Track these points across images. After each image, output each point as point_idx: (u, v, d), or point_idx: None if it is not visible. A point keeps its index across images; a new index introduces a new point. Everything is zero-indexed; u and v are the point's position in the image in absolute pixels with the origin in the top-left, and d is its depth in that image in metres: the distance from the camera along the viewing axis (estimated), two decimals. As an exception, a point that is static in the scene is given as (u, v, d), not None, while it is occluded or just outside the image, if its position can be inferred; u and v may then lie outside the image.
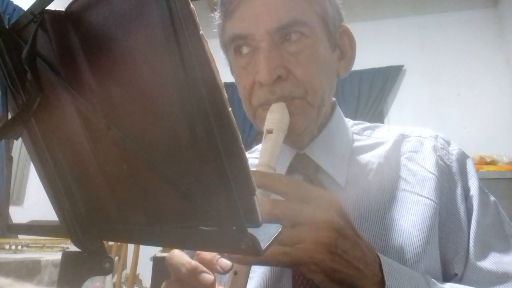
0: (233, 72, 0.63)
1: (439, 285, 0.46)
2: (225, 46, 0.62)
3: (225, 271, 0.40)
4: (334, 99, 0.65)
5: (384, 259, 0.42)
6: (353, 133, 0.65)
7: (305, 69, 0.53)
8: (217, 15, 0.60)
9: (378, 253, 0.43)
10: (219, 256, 0.41)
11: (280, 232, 0.27)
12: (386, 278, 0.40)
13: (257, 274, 0.54)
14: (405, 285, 0.41)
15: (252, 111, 0.58)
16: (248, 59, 0.56)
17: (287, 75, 0.53)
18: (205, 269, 0.40)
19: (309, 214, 0.39)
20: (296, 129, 0.54)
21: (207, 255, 0.41)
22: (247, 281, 0.40)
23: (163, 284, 0.45)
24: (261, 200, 0.40)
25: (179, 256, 0.43)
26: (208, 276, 0.40)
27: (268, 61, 0.52)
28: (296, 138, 0.58)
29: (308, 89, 0.54)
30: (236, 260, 0.39)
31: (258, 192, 0.44)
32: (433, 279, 0.46)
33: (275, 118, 0.51)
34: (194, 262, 0.41)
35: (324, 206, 0.40)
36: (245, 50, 0.56)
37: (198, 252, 0.43)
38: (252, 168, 0.71)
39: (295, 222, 0.39)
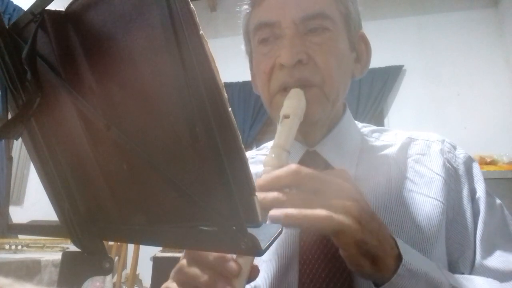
0: (252, 61, 0.65)
1: (448, 272, 0.47)
2: (248, 34, 0.64)
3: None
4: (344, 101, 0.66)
5: (396, 238, 0.43)
6: (362, 134, 0.67)
7: (326, 58, 0.55)
8: (245, 5, 0.62)
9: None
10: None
11: (280, 232, 0.27)
12: (402, 253, 0.41)
13: (263, 267, 0.54)
14: (419, 261, 0.43)
15: (269, 98, 0.60)
16: (271, 46, 0.58)
17: (307, 61, 0.55)
18: (230, 257, 0.40)
19: (334, 183, 0.41)
20: (310, 117, 0.55)
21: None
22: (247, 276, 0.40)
23: (180, 264, 0.43)
24: (286, 167, 0.42)
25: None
26: (234, 267, 0.38)
27: (291, 45, 0.54)
28: (309, 128, 0.59)
29: (325, 78, 0.55)
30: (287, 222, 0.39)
31: (277, 156, 0.45)
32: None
33: (292, 103, 0.53)
34: (182, 262, 0.41)
35: (343, 178, 0.42)
36: (269, 39, 0.58)
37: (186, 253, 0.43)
38: (259, 165, 0.71)
39: (319, 188, 0.41)
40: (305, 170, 0.41)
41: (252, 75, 0.68)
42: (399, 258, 0.41)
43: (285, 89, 0.56)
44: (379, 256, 0.40)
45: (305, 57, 0.54)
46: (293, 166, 0.42)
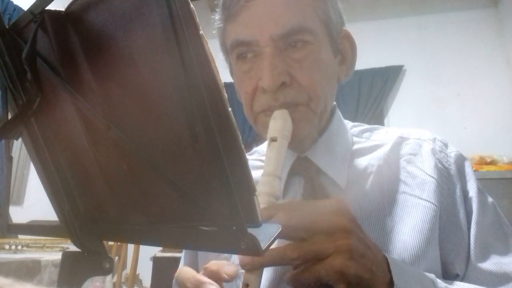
0: (233, 75, 0.63)
1: (444, 284, 0.47)
2: (225, 48, 0.61)
3: (232, 277, 0.40)
4: (334, 102, 0.65)
5: (391, 259, 0.43)
6: (353, 135, 0.66)
7: (309, 75, 0.53)
8: (217, 17, 0.59)
9: (385, 253, 0.43)
10: (227, 263, 0.40)
11: (280, 233, 0.27)
12: (394, 278, 0.41)
13: None
14: (412, 284, 0.42)
15: (253, 117, 0.58)
16: (251, 64, 0.55)
17: (290, 82, 0.53)
18: (208, 280, 0.40)
19: (324, 222, 0.40)
20: (299, 136, 0.54)
21: (213, 266, 0.41)
22: None
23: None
24: (275, 211, 0.40)
25: (186, 271, 0.42)
26: (211, 287, 0.39)
27: (272, 67, 0.51)
28: (298, 143, 0.58)
29: (311, 96, 0.54)
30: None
31: (266, 198, 0.44)
32: (438, 279, 0.47)
33: (278, 125, 0.51)
34: (199, 276, 0.40)
35: (334, 212, 0.41)
36: (248, 56, 0.56)
37: (205, 266, 0.42)
38: (253, 170, 0.71)
39: (311, 231, 0.39)
40: (290, 221, 0.39)
41: (235, 83, 0.65)
42: (391, 283, 0.41)
43: (269, 110, 0.54)
44: (370, 286, 0.39)
45: (287, 79, 0.52)
46: (277, 220, 0.39)
